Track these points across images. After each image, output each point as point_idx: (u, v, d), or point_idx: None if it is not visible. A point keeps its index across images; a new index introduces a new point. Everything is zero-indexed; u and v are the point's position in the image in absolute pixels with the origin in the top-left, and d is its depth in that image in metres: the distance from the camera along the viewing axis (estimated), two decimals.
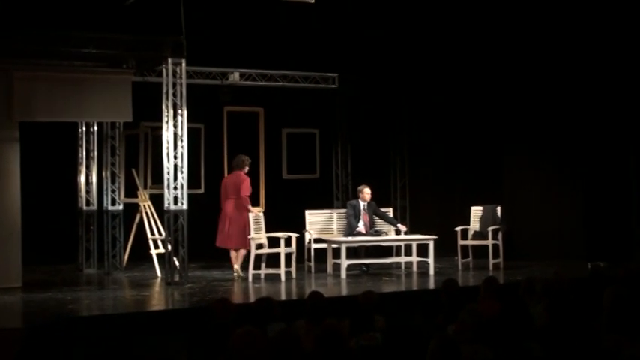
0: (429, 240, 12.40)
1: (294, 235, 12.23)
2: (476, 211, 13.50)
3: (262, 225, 12.30)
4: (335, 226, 13.36)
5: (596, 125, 13.09)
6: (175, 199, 11.32)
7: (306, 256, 12.84)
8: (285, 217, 13.16)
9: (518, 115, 14.11)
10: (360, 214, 12.92)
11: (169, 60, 11.39)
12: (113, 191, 13.00)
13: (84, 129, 13.29)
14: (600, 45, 12.78)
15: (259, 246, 12.07)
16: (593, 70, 12.99)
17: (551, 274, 7.74)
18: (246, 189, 12.32)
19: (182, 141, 11.36)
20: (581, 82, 13.20)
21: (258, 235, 12.13)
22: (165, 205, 11.36)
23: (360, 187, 13.13)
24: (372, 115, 15.08)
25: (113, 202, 13.02)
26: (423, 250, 12.51)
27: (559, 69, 13.42)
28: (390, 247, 13.44)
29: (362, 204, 12.96)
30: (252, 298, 9.81)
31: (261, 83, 13.95)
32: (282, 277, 11.79)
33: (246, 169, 12.51)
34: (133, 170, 13.00)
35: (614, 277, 7.84)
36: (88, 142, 13.29)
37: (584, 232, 13.34)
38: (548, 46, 13.44)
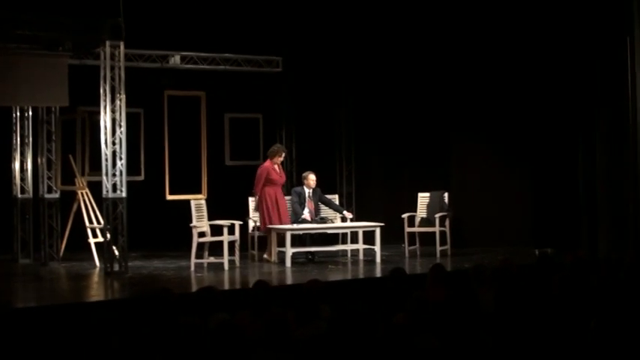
0: (376, 227, 12.31)
1: (237, 223, 12.07)
2: (423, 198, 13.40)
3: (205, 213, 12.11)
4: None
5: (544, 112, 13.12)
6: (114, 186, 11.13)
7: (249, 245, 12.69)
8: (228, 204, 12.97)
9: (465, 101, 14.09)
10: (305, 201, 12.80)
11: (107, 42, 11.14)
12: (49, 178, 12.66)
13: (18, 114, 12.95)
14: (544, 31, 12.79)
15: (201, 234, 11.89)
16: (540, 58, 13.00)
17: (500, 261, 7.69)
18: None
19: (121, 126, 11.16)
20: (528, 70, 13.20)
21: (201, 223, 11.94)
22: (104, 192, 11.16)
23: (304, 174, 12.99)
24: (317, 100, 14.95)
25: (49, 190, 12.68)
26: (369, 237, 12.43)
27: (506, 57, 13.41)
28: (336, 234, 13.31)
29: (307, 191, 12.84)
30: (194, 288, 9.66)
31: (203, 67, 13.78)
32: (226, 266, 11.62)
33: (277, 159, 12.57)
34: (70, 156, 12.70)
35: (562, 264, 7.83)
36: (22, 127, 12.96)
37: (531, 218, 13.40)
38: (494, 32, 13.43)
